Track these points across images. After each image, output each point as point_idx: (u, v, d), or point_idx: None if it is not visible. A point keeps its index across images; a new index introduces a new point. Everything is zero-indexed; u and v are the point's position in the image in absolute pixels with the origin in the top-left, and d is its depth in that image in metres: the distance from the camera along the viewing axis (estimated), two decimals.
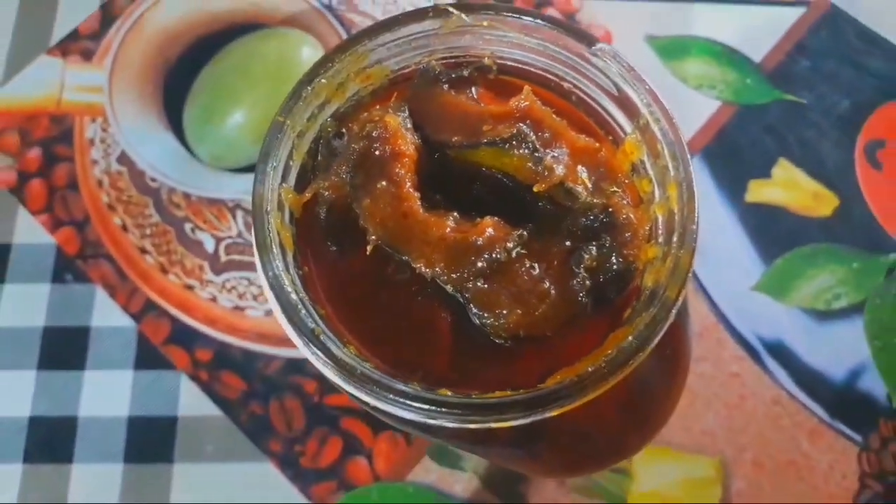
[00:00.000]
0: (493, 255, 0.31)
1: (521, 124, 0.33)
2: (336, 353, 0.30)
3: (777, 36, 0.69)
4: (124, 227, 0.63)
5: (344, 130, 0.35)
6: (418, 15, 0.34)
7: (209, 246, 0.62)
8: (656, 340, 0.30)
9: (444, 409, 0.30)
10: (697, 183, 0.32)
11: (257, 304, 0.61)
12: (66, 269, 0.62)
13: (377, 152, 0.33)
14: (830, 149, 0.66)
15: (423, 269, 0.32)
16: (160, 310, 0.61)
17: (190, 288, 0.61)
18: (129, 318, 0.61)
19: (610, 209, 0.34)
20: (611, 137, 0.37)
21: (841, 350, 0.60)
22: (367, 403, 0.32)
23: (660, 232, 0.33)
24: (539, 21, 0.34)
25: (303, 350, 0.31)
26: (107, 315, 0.61)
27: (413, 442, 0.57)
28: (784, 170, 0.65)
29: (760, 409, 0.59)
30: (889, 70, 0.68)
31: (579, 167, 0.35)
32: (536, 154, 0.33)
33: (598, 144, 0.35)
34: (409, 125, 0.34)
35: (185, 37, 0.69)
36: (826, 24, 0.69)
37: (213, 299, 0.61)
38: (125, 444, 0.58)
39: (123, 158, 0.65)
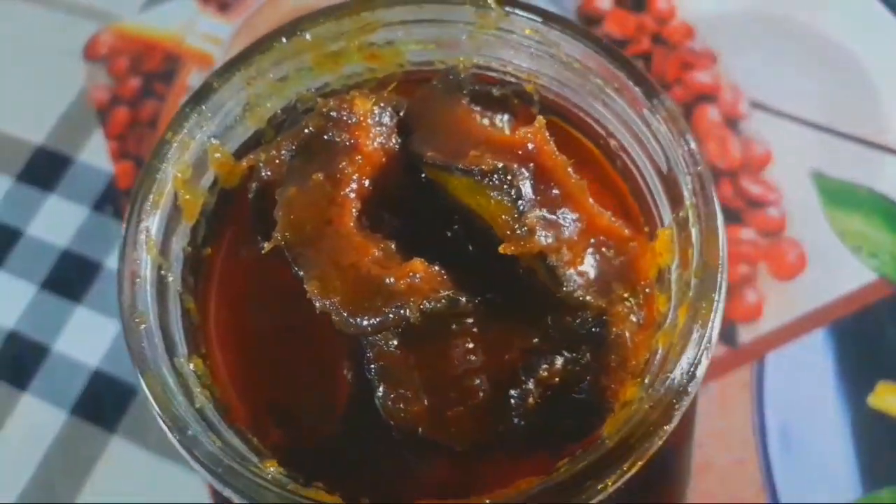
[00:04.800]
0: (402, 310, 0.23)
1: (514, 164, 0.24)
2: (147, 355, 0.23)
3: None
4: None
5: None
6: None
7: None
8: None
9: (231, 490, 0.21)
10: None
11: None
12: (110, 200, 0.60)
13: (330, 137, 0.25)
14: None
15: (314, 294, 0.24)
16: None
17: None
18: None
19: (605, 318, 0.25)
20: (647, 229, 0.27)
21: None
22: None
23: (652, 370, 0.23)
24: (598, 49, 0.26)
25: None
26: None
27: None
28: None
29: None
30: None
31: (589, 249, 0.25)
32: (519, 204, 0.24)
33: (627, 232, 0.26)
34: (386, 120, 0.26)
35: None
36: None
37: None
38: (79, 394, 0.53)
39: None
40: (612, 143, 0.27)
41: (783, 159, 0.59)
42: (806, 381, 0.51)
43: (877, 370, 0.51)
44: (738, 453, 0.50)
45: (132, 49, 0.66)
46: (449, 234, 0.27)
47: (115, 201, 0.59)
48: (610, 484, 0.20)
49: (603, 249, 0.26)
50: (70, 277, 0.57)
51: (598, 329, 0.25)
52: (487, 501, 0.21)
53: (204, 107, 0.26)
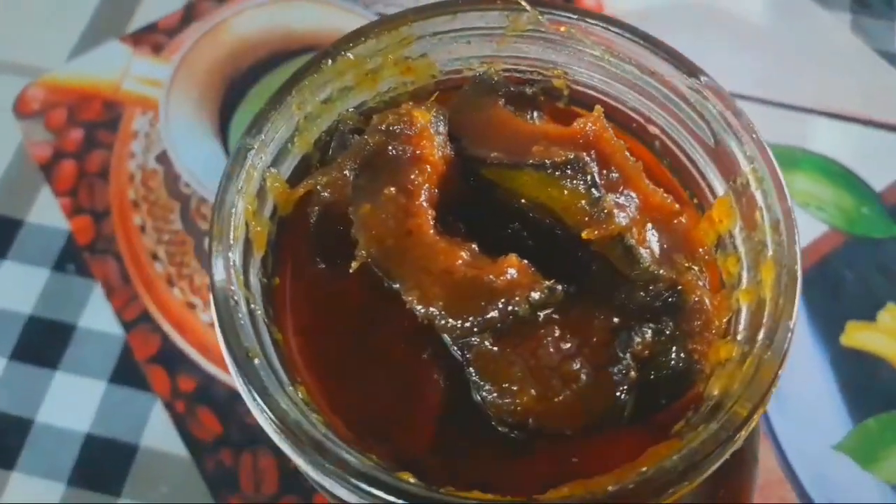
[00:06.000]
0: (511, 306, 0.23)
1: (582, 153, 0.25)
2: (271, 391, 0.22)
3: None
4: (143, 228, 0.58)
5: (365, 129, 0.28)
6: (483, 3, 0.28)
7: None
8: (712, 468, 0.21)
9: (393, 500, 0.21)
10: None
11: None
12: (71, 258, 0.57)
13: (394, 151, 0.26)
14: None
15: (414, 304, 0.24)
16: (154, 323, 0.54)
17: (192, 307, 0.55)
18: (120, 326, 0.54)
19: (679, 287, 0.26)
20: (696, 201, 0.29)
21: None
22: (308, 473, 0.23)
23: (741, 327, 0.25)
24: (631, 36, 0.27)
25: (234, 377, 0.23)
26: (97, 317, 0.55)
27: None
28: (893, 316, 0.55)
29: None
30: None
31: (649, 226, 0.27)
32: (594, 191, 0.25)
33: (678, 206, 0.27)
34: (442, 129, 0.27)
35: (259, 49, 0.65)
36: None
37: (213, 325, 0.54)
38: (74, 464, 0.51)
39: (163, 157, 0.61)
40: (651, 127, 0.29)
41: None
42: None
43: (843, 312, 0.55)
44: None
45: (67, 100, 0.63)
46: (510, 230, 0.28)
47: (77, 258, 0.57)
48: (739, 440, 0.22)
49: (660, 225, 0.27)
50: (42, 344, 0.54)
51: (673, 299, 0.26)
52: (643, 469, 0.22)
53: (263, 136, 0.26)
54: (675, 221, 0.27)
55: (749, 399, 0.22)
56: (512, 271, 0.24)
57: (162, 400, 0.52)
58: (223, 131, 0.61)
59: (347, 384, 0.26)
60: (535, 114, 0.30)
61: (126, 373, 0.53)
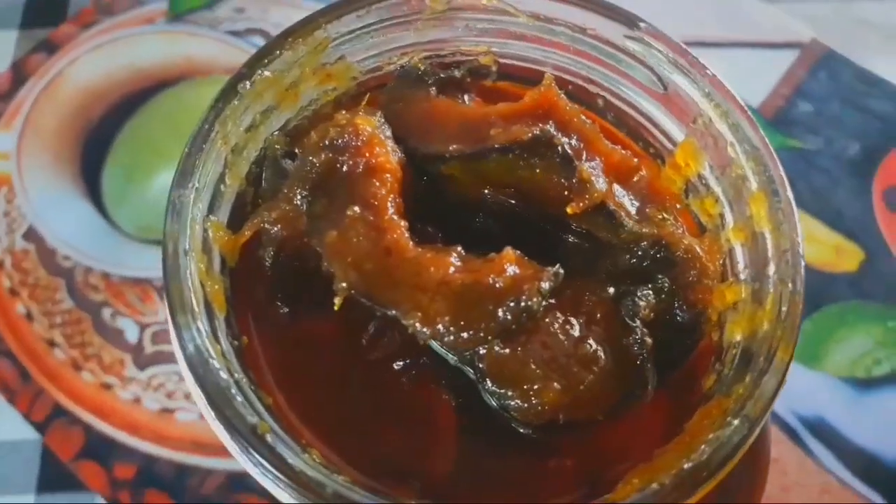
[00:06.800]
0: (522, 302, 0.21)
1: (545, 126, 0.24)
2: (292, 463, 0.20)
3: (774, 80, 0.63)
4: (29, 316, 0.52)
5: (297, 150, 0.25)
6: None
7: (132, 335, 0.51)
8: (768, 416, 0.21)
9: None
10: None
11: (190, 405, 0.49)
12: None
13: (345, 167, 0.23)
14: (846, 197, 0.59)
15: (418, 327, 0.22)
16: (71, 416, 0.49)
17: (108, 387, 0.50)
18: (33, 429, 0.49)
19: (664, 241, 0.25)
20: (652, 151, 0.28)
21: (892, 424, 0.51)
22: None
23: (740, 266, 0.24)
24: None
25: (240, 458, 0.20)
26: (4, 427, 0.49)
27: None
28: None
29: (808, 501, 0.49)
30: (893, 111, 0.63)
31: (616, 187, 0.26)
32: (568, 163, 0.24)
33: (636, 161, 0.26)
34: (388, 133, 0.24)
35: (109, 95, 0.59)
36: (824, 67, 0.64)
37: (137, 400, 0.49)
38: None
39: (31, 234, 0.54)
40: (591, 87, 0.27)
41: None
42: None
43: None
44: None
45: None
46: (477, 222, 0.26)
47: None
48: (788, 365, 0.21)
49: (625, 183, 0.26)
50: None
51: (661, 254, 0.25)
52: (702, 442, 0.20)
53: (196, 182, 0.23)
54: (637, 177, 0.27)
55: (787, 339, 0.21)
56: (512, 267, 0.22)
57: (102, 496, 0.47)
58: (92, 191, 0.56)
59: (354, 434, 0.24)
60: (466, 97, 0.28)
61: (54, 478, 0.47)
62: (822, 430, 0.51)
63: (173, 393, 0.50)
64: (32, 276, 0.53)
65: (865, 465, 0.50)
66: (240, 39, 0.61)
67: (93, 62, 0.61)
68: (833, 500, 0.49)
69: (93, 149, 0.57)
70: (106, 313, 0.52)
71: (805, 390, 0.52)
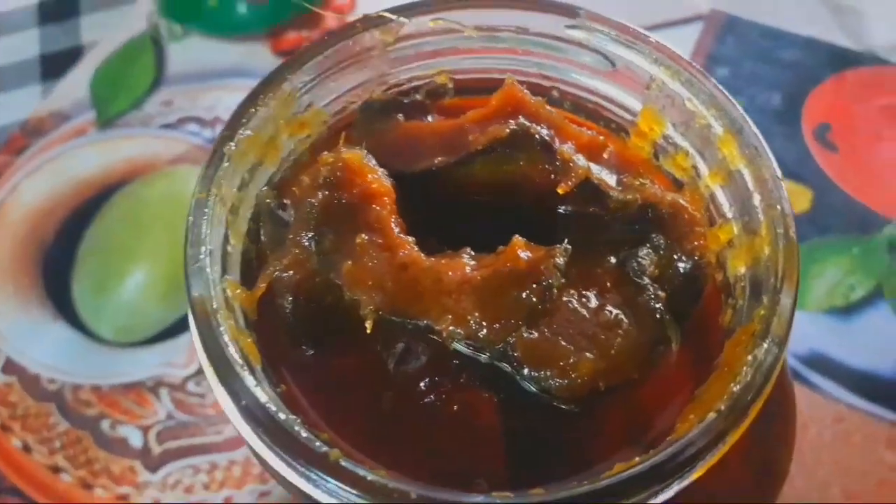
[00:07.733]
0: (543, 281, 0.23)
1: (514, 120, 0.25)
2: (372, 480, 0.20)
3: (686, 54, 0.67)
4: (26, 448, 0.50)
5: (287, 201, 0.26)
6: (348, 30, 0.27)
7: (136, 440, 0.50)
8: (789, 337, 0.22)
9: None
10: None
11: (212, 494, 0.48)
12: None
13: (343, 200, 0.24)
14: (782, 144, 0.62)
15: (450, 330, 0.22)
16: None
17: (124, 498, 0.49)
18: None
19: (649, 202, 0.27)
20: (613, 126, 0.30)
21: (880, 341, 0.54)
22: None
23: (725, 207, 0.26)
24: (500, 3, 0.27)
25: (317, 494, 0.20)
26: None
27: None
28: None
29: (825, 433, 0.51)
30: (802, 57, 0.67)
31: (591, 165, 0.27)
32: (548, 149, 0.25)
33: (602, 138, 0.28)
34: (373, 162, 0.26)
35: (57, 212, 0.59)
36: (729, 32, 0.68)
37: None
38: None
39: (10, 367, 0.53)
40: (545, 83, 0.29)
41: None
42: None
43: None
44: None
45: None
46: (466, 225, 0.27)
47: None
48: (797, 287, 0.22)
49: (598, 160, 0.28)
50: None
51: (651, 214, 0.26)
52: (744, 366, 0.22)
53: (210, 246, 0.23)
54: (607, 153, 0.28)
55: (790, 255, 0.23)
56: (524, 252, 0.23)
57: None
58: (62, 309, 0.55)
59: (407, 453, 0.24)
60: (430, 118, 0.30)
61: None
62: (820, 363, 0.53)
63: (192, 486, 0.49)
64: (21, 408, 0.52)
65: (866, 385, 0.52)
66: (175, 131, 0.62)
67: (34, 185, 0.60)
68: (848, 425, 0.51)
69: (53, 268, 0.56)
70: (105, 425, 0.51)
71: (795, 331, 0.54)
